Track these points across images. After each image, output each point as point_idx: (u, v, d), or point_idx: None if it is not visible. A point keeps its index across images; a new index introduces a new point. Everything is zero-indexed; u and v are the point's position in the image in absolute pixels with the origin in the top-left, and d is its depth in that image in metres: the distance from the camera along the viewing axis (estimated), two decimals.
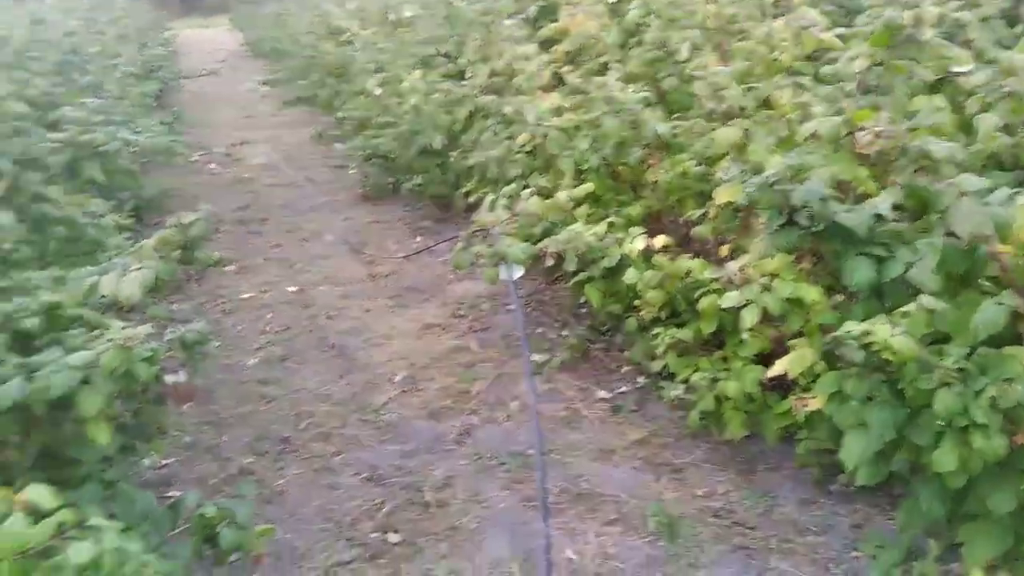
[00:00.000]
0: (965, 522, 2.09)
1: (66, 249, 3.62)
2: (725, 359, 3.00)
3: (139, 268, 2.19)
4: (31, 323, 2.21)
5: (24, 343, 2.35)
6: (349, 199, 6.65)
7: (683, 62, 4.35)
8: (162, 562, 1.84)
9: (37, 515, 1.72)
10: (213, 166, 7.97)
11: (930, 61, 3.04)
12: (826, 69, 2.97)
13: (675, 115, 3.83)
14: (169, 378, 2.07)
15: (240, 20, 20.21)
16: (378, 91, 6.37)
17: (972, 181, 1.99)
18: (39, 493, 1.75)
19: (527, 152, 4.37)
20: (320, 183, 7.17)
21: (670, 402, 3.14)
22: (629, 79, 4.54)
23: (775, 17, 4.19)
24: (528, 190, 3.59)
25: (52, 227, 3.50)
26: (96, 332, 2.12)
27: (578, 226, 3.31)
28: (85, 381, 1.88)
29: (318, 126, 8.78)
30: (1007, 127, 2.62)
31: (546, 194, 3.83)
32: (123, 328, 1.92)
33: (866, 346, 2.04)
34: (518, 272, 3.25)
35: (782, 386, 2.98)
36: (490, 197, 3.84)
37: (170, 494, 2.92)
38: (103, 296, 2.36)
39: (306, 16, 12.58)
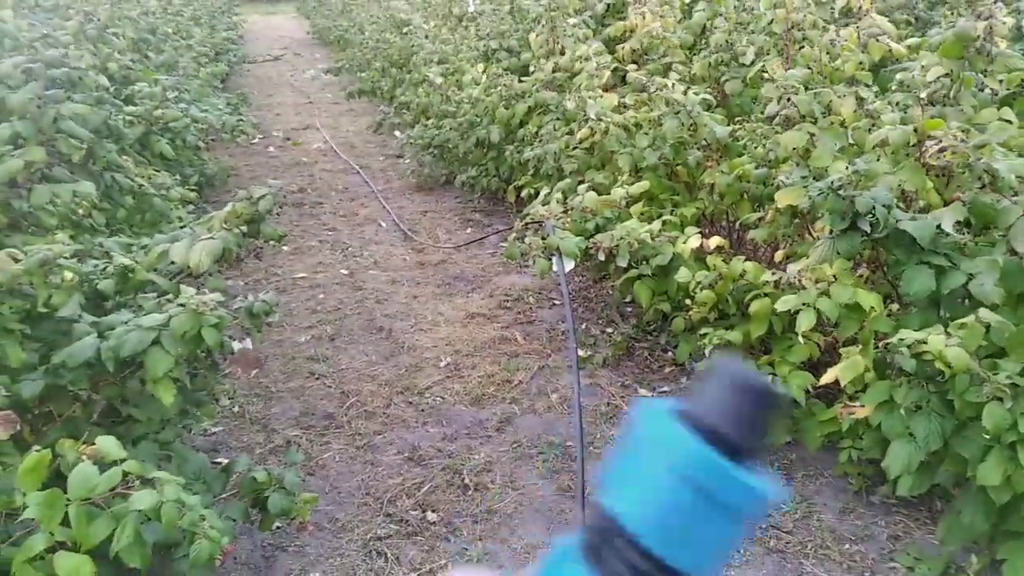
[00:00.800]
0: (1007, 540, 2.06)
1: (132, 218, 3.78)
2: (772, 364, 2.99)
3: (209, 238, 2.28)
4: (105, 285, 2.33)
5: (97, 303, 2.48)
6: (403, 188, 6.75)
7: (747, 66, 4.33)
8: (216, 519, 1.93)
9: (102, 466, 1.83)
10: (271, 149, 8.16)
11: (1001, 73, 2.99)
12: (901, 76, 2.93)
13: (736, 119, 3.82)
14: (236, 346, 2.16)
15: (307, 8, 20.58)
16: (439, 80, 6.45)
17: None
18: (108, 443, 1.85)
19: (585, 149, 4.40)
20: (376, 171, 7.29)
21: None
22: (693, 81, 4.54)
23: (846, 25, 4.15)
24: (584, 185, 3.61)
25: (123, 196, 3.65)
26: (166, 297, 2.23)
27: (632, 223, 3.33)
28: (156, 342, 1.97)
29: (378, 116, 8.91)
30: None
31: (601, 190, 3.86)
32: (195, 294, 2.00)
33: (919, 355, 2.03)
34: (569, 265, 3.28)
35: (826, 394, 2.97)
36: (544, 191, 3.89)
37: (217, 460, 3.03)
38: (172, 263, 2.47)
39: (372, 7, 12.77)
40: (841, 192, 2.29)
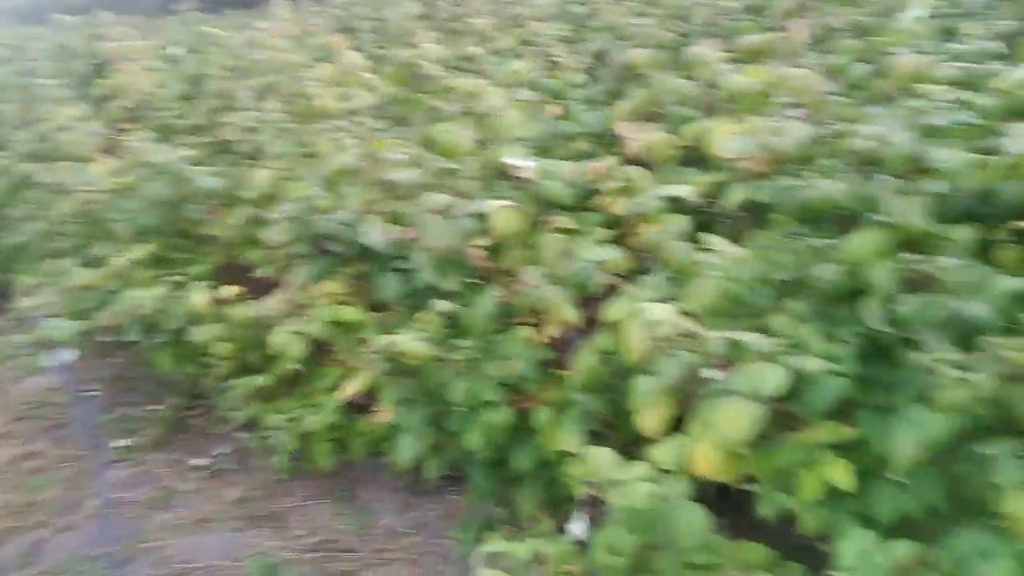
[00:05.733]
0: (512, 486, 2.36)
1: None
2: (311, 394, 3.02)
3: None
4: None
5: None
6: None
7: (244, 110, 4.34)
8: None
9: None
10: None
11: (442, 94, 3.43)
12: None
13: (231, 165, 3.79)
14: None
15: None
16: None
17: (436, 200, 2.26)
18: None
19: (82, 222, 3.98)
20: None
21: (265, 451, 3.08)
22: (194, 130, 4.42)
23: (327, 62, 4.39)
24: (71, 262, 3.27)
25: None
26: None
27: (135, 292, 3.09)
28: None
29: None
30: None
31: (102, 263, 3.53)
32: None
33: (398, 354, 2.20)
34: (70, 356, 2.93)
35: (368, 406, 3.10)
36: (28, 279, 3.46)
37: None
38: None
39: None
40: (301, 219, 2.39)
